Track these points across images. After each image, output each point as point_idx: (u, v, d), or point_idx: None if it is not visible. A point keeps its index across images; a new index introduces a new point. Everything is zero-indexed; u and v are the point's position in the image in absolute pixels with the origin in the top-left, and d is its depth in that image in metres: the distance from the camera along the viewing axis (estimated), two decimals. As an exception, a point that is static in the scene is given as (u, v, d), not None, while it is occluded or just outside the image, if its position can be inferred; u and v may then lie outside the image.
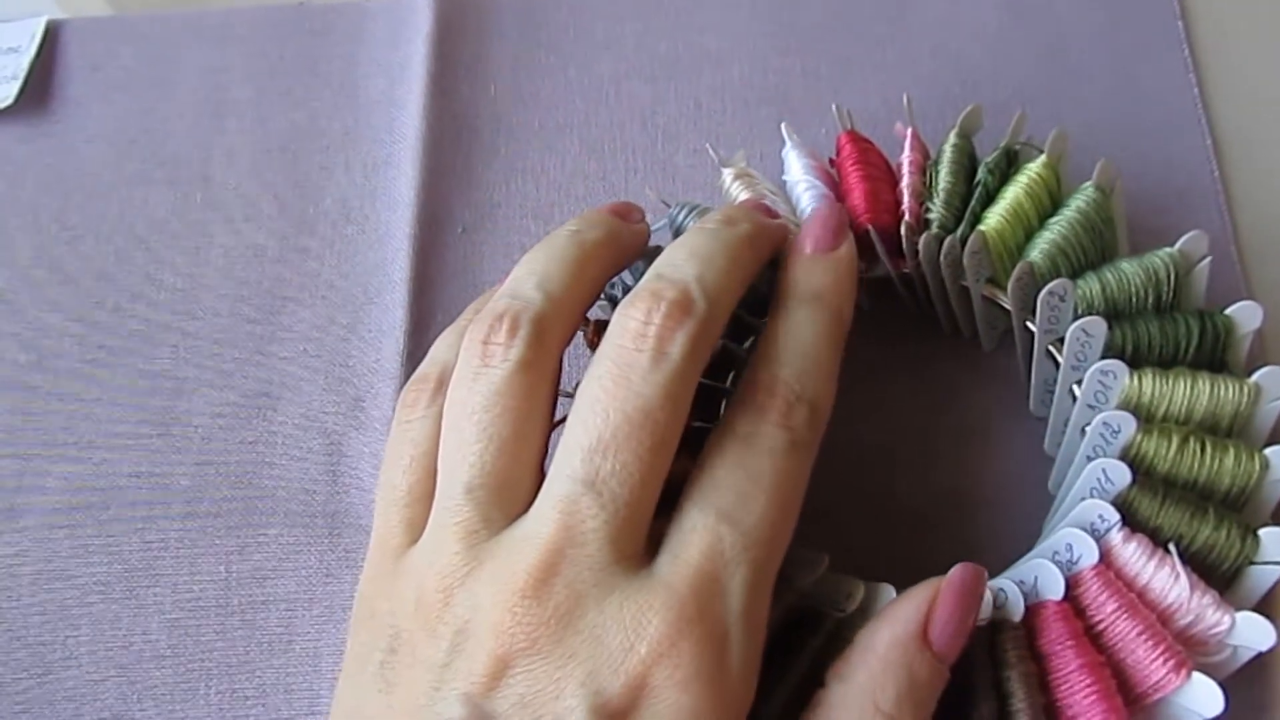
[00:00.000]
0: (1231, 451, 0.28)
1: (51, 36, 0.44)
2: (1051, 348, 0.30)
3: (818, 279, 0.27)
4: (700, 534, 0.23)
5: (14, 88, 0.42)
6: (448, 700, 0.22)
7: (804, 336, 0.26)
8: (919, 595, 0.25)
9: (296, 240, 0.39)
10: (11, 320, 0.39)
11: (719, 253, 0.26)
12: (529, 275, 0.27)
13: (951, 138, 0.33)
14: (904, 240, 0.31)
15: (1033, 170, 0.32)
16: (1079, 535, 0.27)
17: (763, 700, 0.25)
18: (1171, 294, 0.30)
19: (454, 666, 0.23)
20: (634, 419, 0.23)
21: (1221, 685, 0.25)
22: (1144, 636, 0.26)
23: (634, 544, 0.23)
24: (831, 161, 0.34)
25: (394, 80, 0.42)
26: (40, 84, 0.43)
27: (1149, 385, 0.28)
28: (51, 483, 0.36)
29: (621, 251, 0.29)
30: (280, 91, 0.42)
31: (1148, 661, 0.26)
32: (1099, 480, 0.27)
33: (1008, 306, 0.31)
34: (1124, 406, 0.28)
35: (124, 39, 0.44)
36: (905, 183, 0.32)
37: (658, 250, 0.30)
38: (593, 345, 0.31)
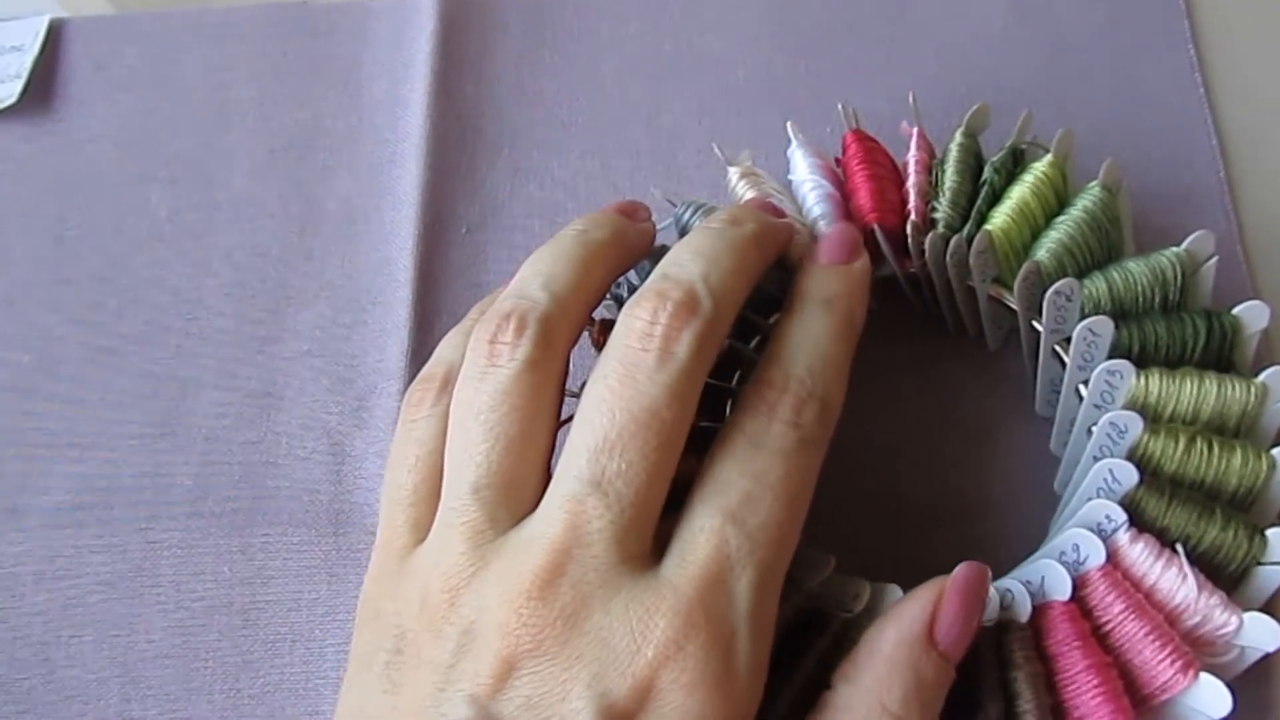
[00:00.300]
0: (1239, 451, 0.28)
1: (55, 35, 0.44)
2: (1058, 347, 0.30)
3: (831, 284, 0.27)
4: (707, 536, 0.23)
5: (17, 86, 0.42)
6: (454, 701, 0.22)
7: (815, 335, 0.26)
8: (924, 595, 0.25)
9: (300, 240, 0.39)
10: (14, 320, 0.39)
11: (724, 252, 0.26)
12: (535, 275, 0.26)
13: (957, 137, 0.33)
14: (910, 240, 0.31)
15: (1039, 170, 0.32)
16: (1086, 535, 0.27)
17: (769, 701, 0.25)
18: (1178, 294, 0.30)
19: (460, 667, 0.23)
20: (640, 418, 0.23)
21: (1229, 686, 0.25)
22: (1151, 637, 0.26)
23: (640, 544, 0.23)
24: (837, 160, 0.34)
25: (398, 79, 0.42)
26: (43, 83, 0.43)
27: (1156, 385, 0.28)
28: (54, 483, 0.36)
29: (627, 251, 0.29)
30: (284, 91, 0.42)
31: (1155, 662, 0.26)
32: (1106, 480, 0.27)
33: (1014, 306, 0.31)
34: (1131, 406, 0.28)
35: (127, 38, 0.44)
36: (911, 182, 0.32)
37: (664, 250, 0.29)
38: (598, 345, 0.31)
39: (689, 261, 0.26)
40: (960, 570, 0.25)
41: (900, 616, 0.25)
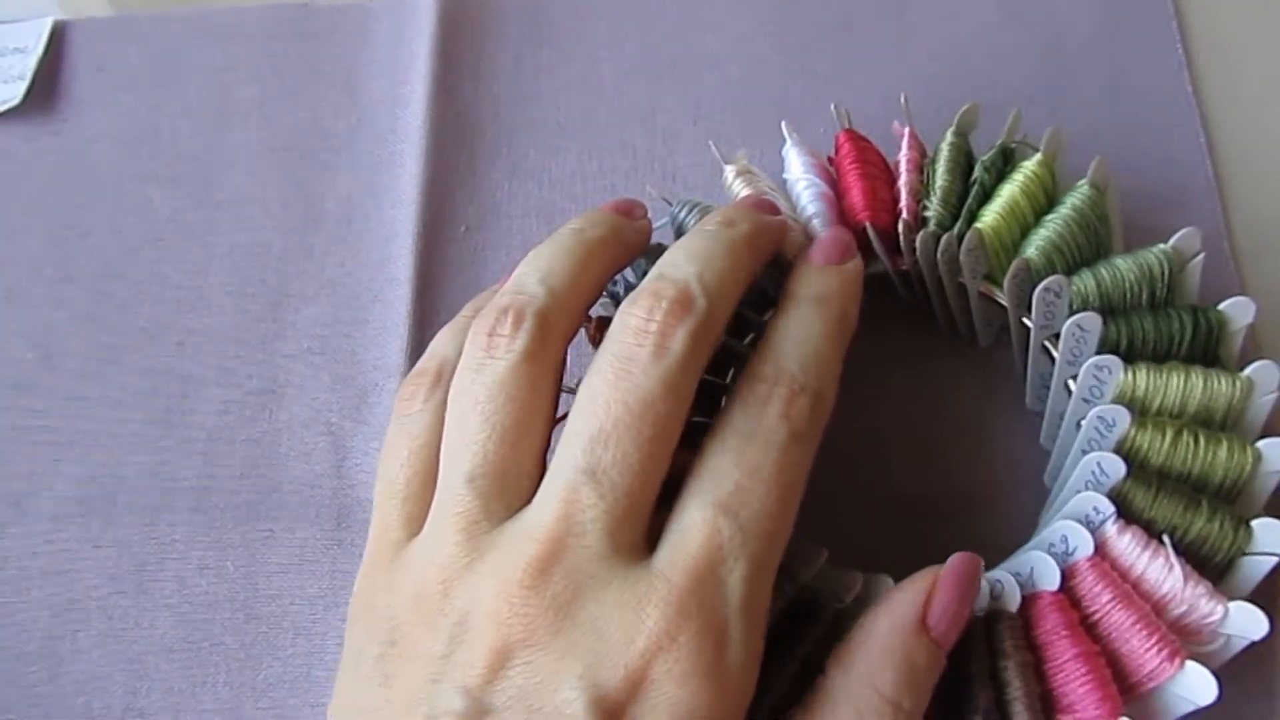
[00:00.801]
0: (1225, 444, 0.28)
1: (57, 37, 0.44)
2: (1047, 343, 0.31)
3: (824, 283, 0.28)
4: (699, 527, 0.23)
5: (21, 88, 0.42)
6: (446, 693, 0.22)
7: (807, 331, 0.26)
8: (917, 583, 0.26)
9: (301, 238, 0.40)
10: (19, 317, 0.39)
11: (719, 253, 0.27)
12: (533, 271, 0.27)
13: (948, 136, 0.33)
14: (901, 237, 0.32)
15: (1028, 168, 0.32)
16: (1074, 527, 0.27)
17: (763, 690, 0.26)
18: (1165, 290, 0.30)
19: (453, 658, 0.23)
20: (635, 410, 0.24)
21: (1215, 674, 0.26)
22: (1138, 626, 0.26)
23: (634, 534, 0.24)
24: (830, 160, 0.34)
25: (397, 80, 0.42)
26: (46, 84, 0.43)
27: (1143, 379, 0.29)
28: (59, 479, 0.36)
29: (624, 249, 0.29)
30: (284, 91, 0.43)
31: (1142, 651, 0.26)
32: (1094, 473, 0.28)
33: (1004, 303, 0.31)
34: (1119, 401, 0.29)
35: (129, 39, 0.44)
36: (903, 181, 0.33)
37: (660, 248, 0.30)
38: (595, 342, 0.31)
39: (684, 262, 0.26)
40: (954, 560, 0.26)
41: (893, 604, 0.25)
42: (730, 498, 0.24)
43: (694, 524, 0.23)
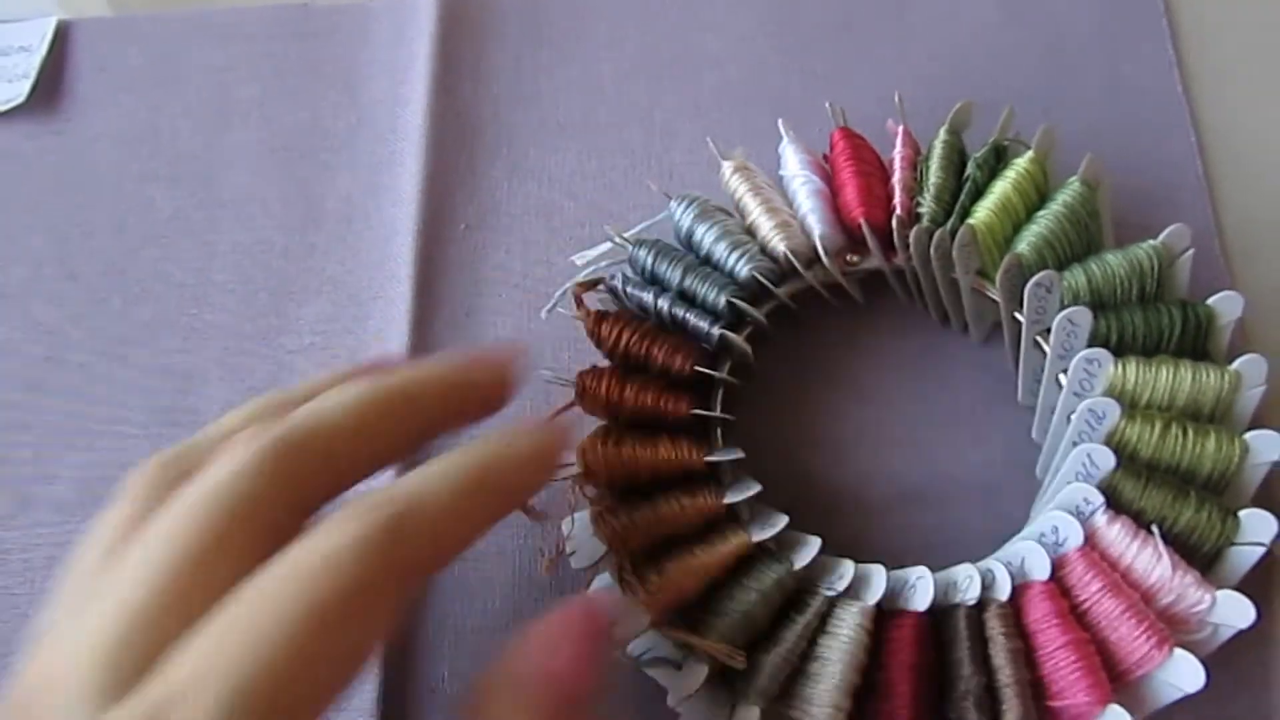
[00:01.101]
0: (1213, 436, 0.28)
1: (60, 36, 0.44)
2: (1039, 337, 0.31)
3: (490, 443, 0.24)
4: (177, 661, 0.19)
5: (25, 86, 0.43)
6: None
7: (433, 469, 0.23)
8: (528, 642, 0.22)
9: (302, 236, 0.40)
10: (22, 314, 0.39)
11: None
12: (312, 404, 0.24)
13: (941, 134, 0.34)
14: (895, 233, 0.32)
15: (1020, 165, 0.32)
16: (1065, 518, 0.28)
17: (753, 674, 0.26)
18: (1155, 285, 0.31)
19: None
20: (134, 554, 0.21)
21: (1203, 662, 0.26)
22: (1127, 615, 0.27)
23: (118, 678, 0.19)
24: (826, 157, 0.35)
25: (397, 80, 0.42)
26: (49, 83, 0.44)
27: (1133, 373, 0.29)
28: (64, 472, 0.36)
29: (435, 405, 0.26)
30: (285, 91, 0.43)
31: (1131, 639, 0.26)
32: (1084, 465, 0.28)
33: (996, 298, 0.31)
34: (1108, 394, 0.29)
35: (130, 39, 0.45)
36: (897, 178, 0.33)
37: (667, 246, 0.30)
38: (592, 335, 0.31)
39: None
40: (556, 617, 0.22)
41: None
42: (225, 628, 0.19)
43: (181, 654, 0.19)
